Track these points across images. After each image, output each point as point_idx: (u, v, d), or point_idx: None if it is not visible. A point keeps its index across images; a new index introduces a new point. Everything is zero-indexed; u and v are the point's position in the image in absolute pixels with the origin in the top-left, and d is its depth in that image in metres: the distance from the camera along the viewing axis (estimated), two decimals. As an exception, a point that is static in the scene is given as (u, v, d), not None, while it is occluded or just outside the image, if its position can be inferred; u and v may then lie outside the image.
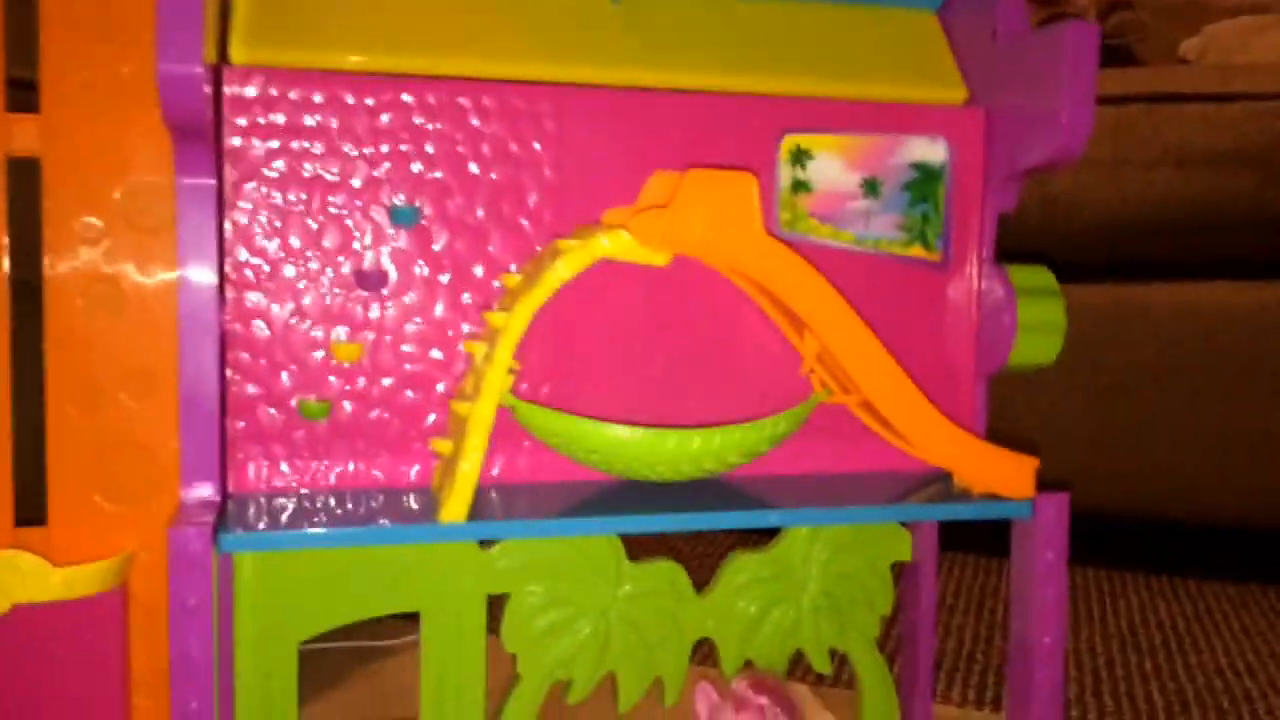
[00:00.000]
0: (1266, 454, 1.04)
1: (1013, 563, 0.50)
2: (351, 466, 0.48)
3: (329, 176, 0.47)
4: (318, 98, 0.47)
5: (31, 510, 0.47)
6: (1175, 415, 1.08)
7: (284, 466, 0.47)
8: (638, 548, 0.53)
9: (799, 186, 0.51)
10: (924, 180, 0.52)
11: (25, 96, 0.50)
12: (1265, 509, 1.05)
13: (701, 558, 0.54)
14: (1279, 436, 1.03)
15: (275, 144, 0.47)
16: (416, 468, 0.48)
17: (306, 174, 0.47)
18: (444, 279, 0.49)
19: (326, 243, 0.47)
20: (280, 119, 0.47)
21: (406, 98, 0.48)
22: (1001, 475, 0.49)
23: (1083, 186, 1.09)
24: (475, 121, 0.49)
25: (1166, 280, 1.09)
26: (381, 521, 0.43)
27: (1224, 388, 1.06)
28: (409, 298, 0.48)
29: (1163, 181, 1.07)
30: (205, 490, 0.44)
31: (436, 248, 0.48)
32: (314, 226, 0.47)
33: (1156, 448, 1.08)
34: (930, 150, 0.52)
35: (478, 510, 0.44)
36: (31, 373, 0.48)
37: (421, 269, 0.48)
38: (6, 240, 0.47)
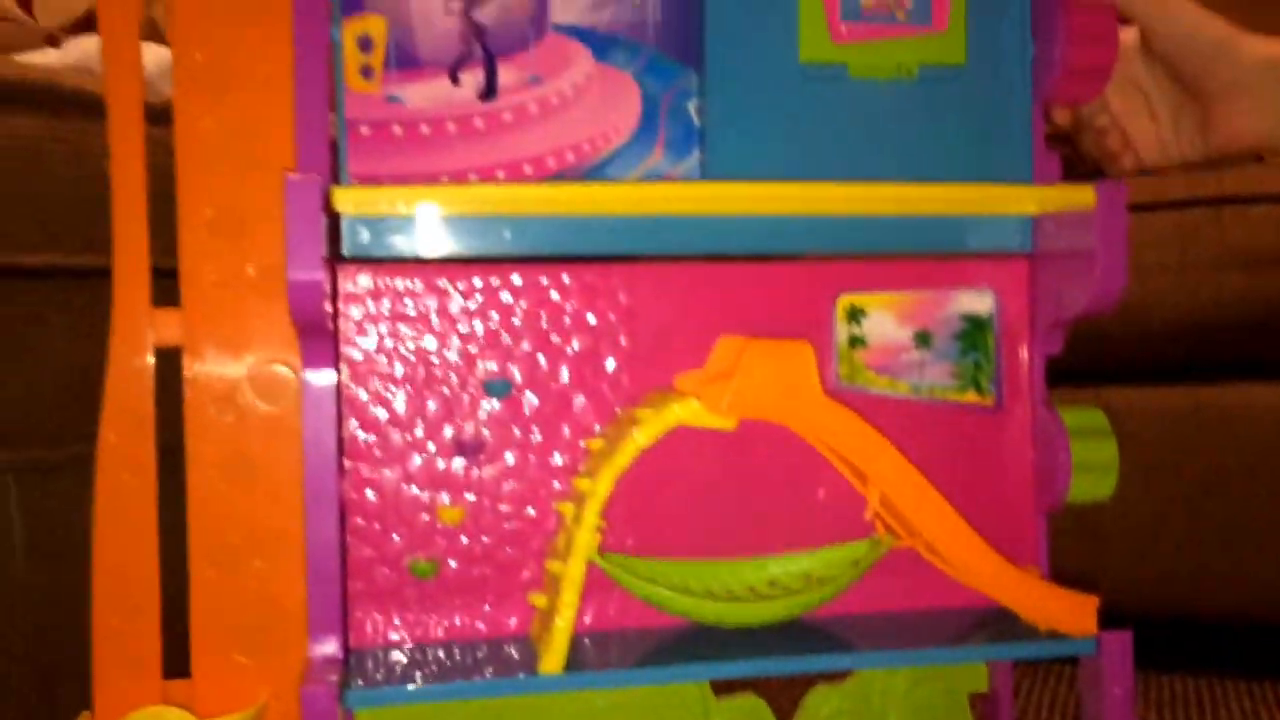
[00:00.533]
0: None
1: (1081, 698, 0.52)
2: (458, 619, 0.52)
3: (430, 355, 0.53)
4: (418, 285, 0.53)
5: (176, 664, 0.53)
6: (1264, 514, 1.07)
7: (397, 621, 0.52)
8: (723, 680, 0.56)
9: (855, 342, 0.55)
10: (973, 330, 0.56)
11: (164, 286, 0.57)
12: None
13: (782, 685, 0.57)
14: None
15: (384, 328, 0.53)
16: (515, 619, 0.53)
17: (410, 353, 0.53)
18: (535, 441, 0.54)
19: (429, 414, 0.53)
20: (387, 306, 0.53)
21: (494, 280, 0.54)
22: (1063, 613, 0.51)
23: (1152, 290, 1.11)
24: (555, 296, 0.54)
25: (1244, 380, 1.10)
26: (486, 674, 0.47)
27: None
28: (504, 462, 0.53)
29: (1231, 283, 1.08)
30: (330, 646, 0.49)
31: (527, 414, 0.54)
32: (418, 400, 0.53)
33: (1246, 548, 1.07)
34: (978, 302, 0.56)
35: (573, 659, 0.48)
36: (174, 538, 0.55)
37: (515, 434, 0.53)
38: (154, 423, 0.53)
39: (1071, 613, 0.52)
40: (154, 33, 0.74)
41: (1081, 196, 0.50)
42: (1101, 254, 0.50)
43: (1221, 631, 1.12)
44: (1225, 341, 1.09)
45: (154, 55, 0.83)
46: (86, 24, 1.02)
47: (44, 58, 0.76)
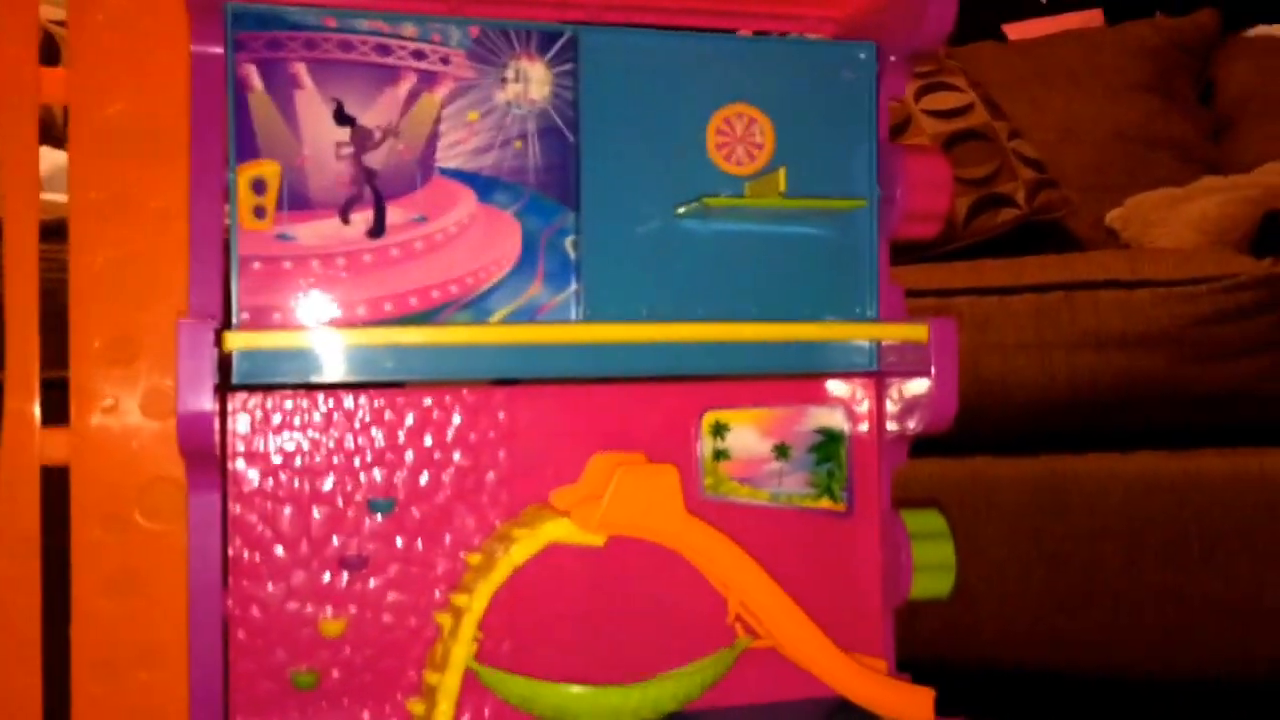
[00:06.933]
0: (1195, 611, 1.11)
1: (919, 781, 0.57)
2: (338, 728, 0.55)
3: (315, 474, 0.56)
4: (304, 405, 0.56)
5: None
6: (1112, 574, 1.15)
7: (280, 731, 0.54)
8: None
9: (719, 455, 0.60)
10: (828, 443, 0.61)
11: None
12: (1193, 664, 1.11)
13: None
14: (1206, 595, 1.10)
15: (271, 447, 0.55)
16: (395, 724, 0.55)
17: (297, 470, 0.56)
18: (417, 552, 0.57)
19: (314, 531, 0.55)
20: (273, 426, 0.55)
21: (378, 402, 0.57)
22: (902, 704, 0.56)
23: (1012, 369, 1.19)
24: (437, 415, 0.57)
25: (1095, 451, 1.18)
26: (364, 784, 0.50)
27: (1154, 549, 1.13)
28: (387, 574, 0.56)
29: (1084, 362, 1.17)
30: (212, 759, 0.51)
31: (410, 527, 0.57)
32: (303, 517, 0.55)
33: (1098, 606, 1.15)
34: (831, 418, 0.61)
35: (448, 765, 0.51)
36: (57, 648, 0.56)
37: (398, 547, 0.56)
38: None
39: (910, 704, 0.56)
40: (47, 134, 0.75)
41: (916, 333, 0.55)
42: (935, 385, 0.55)
43: (1068, 686, 1.20)
44: (1078, 416, 1.18)
45: (49, 161, 0.83)
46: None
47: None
